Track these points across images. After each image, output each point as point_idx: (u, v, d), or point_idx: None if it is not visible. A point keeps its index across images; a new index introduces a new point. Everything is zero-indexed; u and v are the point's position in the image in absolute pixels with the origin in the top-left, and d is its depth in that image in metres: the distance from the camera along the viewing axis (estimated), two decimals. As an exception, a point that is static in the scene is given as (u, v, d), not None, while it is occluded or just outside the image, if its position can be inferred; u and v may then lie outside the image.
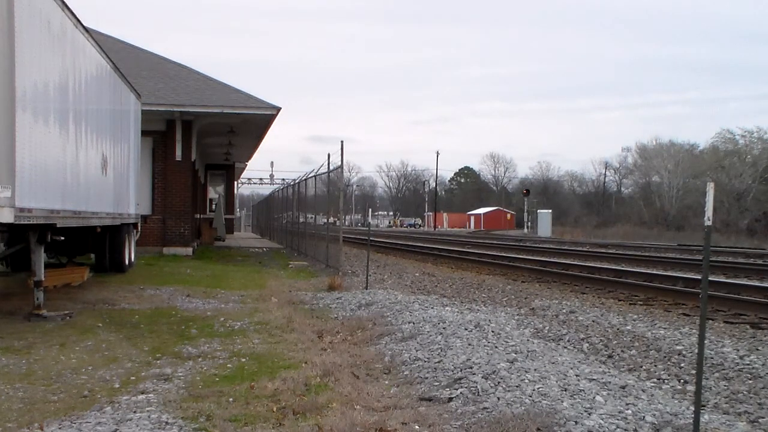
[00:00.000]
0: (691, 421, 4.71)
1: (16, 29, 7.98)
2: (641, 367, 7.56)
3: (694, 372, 6.28)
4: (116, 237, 15.33)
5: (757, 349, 8.35)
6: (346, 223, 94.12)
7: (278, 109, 22.78)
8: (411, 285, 15.78)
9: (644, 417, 4.97)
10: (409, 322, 9.04)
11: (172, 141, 22.41)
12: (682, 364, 7.61)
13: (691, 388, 6.51)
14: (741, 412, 5.80)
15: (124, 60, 20.29)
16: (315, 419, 5.04)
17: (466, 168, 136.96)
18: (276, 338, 8.34)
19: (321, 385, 6.07)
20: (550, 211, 66.73)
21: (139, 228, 18.37)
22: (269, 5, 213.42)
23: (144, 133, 18.93)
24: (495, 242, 41.30)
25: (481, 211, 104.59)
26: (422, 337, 8.01)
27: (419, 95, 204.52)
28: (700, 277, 9.70)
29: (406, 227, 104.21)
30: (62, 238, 10.95)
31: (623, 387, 5.85)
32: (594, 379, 6.07)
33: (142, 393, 5.76)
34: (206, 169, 38.74)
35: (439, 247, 32.91)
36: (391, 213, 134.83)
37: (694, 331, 9.44)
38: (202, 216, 33.16)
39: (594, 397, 5.41)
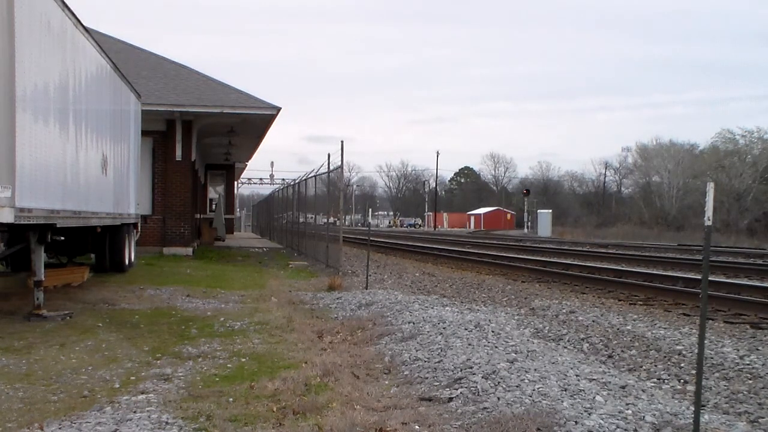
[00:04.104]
0: (691, 421, 4.71)
1: (16, 29, 7.98)
2: (641, 367, 7.56)
3: (694, 372, 6.28)
4: (116, 237, 15.33)
5: (757, 349, 8.35)
6: (346, 223, 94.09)
7: (278, 109, 22.79)
8: (411, 285, 15.78)
9: (644, 417, 4.97)
10: (409, 322, 9.04)
11: (172, 141, 22.42)
12: (682, 364, 7.61)
13: (691, 388, 6.51)
14: (741, 412, 5.80)
15: (124, 60, 20.29)
16: (315, 419, 5.04)
17: (466, 168, 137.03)
18: (276, 338, 8.34)
19: (321, 385, 6.07)
20: (550, 211, 66.72)
21: (139, 228, 18.37)
22: (269, 5, 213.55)
23: (144, 133, 18.93)
24: (495, 242, 41.31)
25: (481, 211, 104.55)
26: (422, 337, 8.01)
27: (419, 95, 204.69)
28: (700, 277, 9.70)
29: (406, 227, 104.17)
30: (62, 238, 10.95)
31: (623, 387, 5.85)
32: (594, 379, 6.07)
33: (142, 393, 5.76)
34: (206, 169, 38.75)
35: (439, 247, 32.91)
36: (391, 213, 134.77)
37: (694, 331, 9.45)
38: (202, 216, 33.16)
39: (594, 397, 5.41)
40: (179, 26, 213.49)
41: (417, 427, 4.96)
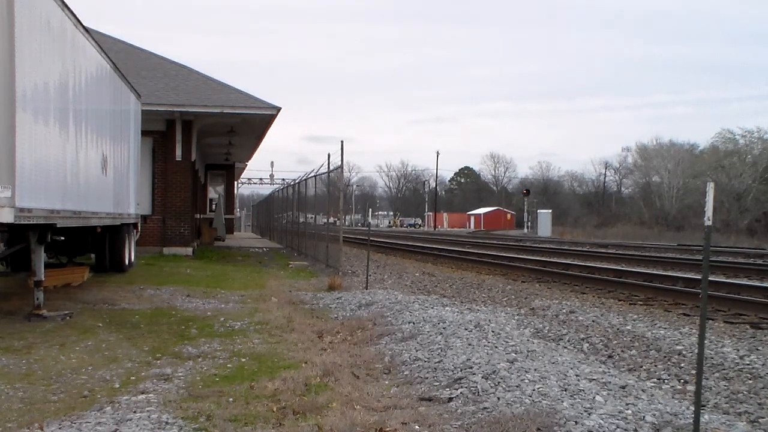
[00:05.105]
0: (691, 421, 4.71)
1: (16, 29, 7.98)
2: (641, 367, 7.56)
3: (694, 372, 6.28)
4: (116, 237, 15.33)
5: (757, 349, 8.35)
6: (346, 223, 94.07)
7: (278, 109, 22.79)
8: (411, 285, 15.78)
9: (644, 417, 4.97)
10: (409, 322, 9.04)
11: (172, 141, 22.42)
12: (682, 364, 7.61)
13: (691, 388, 6.51)
14: (741, 412, 5.80)
15: (124, 60, 20.30)
16: (315, 419, 5.04)
17: (466, 168, 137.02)
18: (276, 338, 8.34)
19: (321, 385, 6.07)
20: (550, 211, 66.71)
21: (139, 228, 18.37)
22: (269, 5, 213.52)
23: (144, 133, 18.93)
24: (495, 242, 41.30)
25: (481, 211, 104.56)
26: (422, 337, 8.01)
27: (419, 95, 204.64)
28: (700, 277, 9.70)
29: (406, 227, 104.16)
30: (62, 238, 10.95)
31: (623, 387, 5.85)
32: (594, 379, 6.07)
33: (142, 393, 5.76)
34: (206, 169, 38.74)
35: (439, 247, 32.91)
36: (391, 213, 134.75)
37: (694, 331, 9.45)
38: (202, 216, 33.16)
39: (594, 397, 5.41)
40: (179, 26, 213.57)
41: (417, 427, 4.96)
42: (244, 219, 79.42)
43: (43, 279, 9.80)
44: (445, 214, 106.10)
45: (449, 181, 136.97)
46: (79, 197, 11.15)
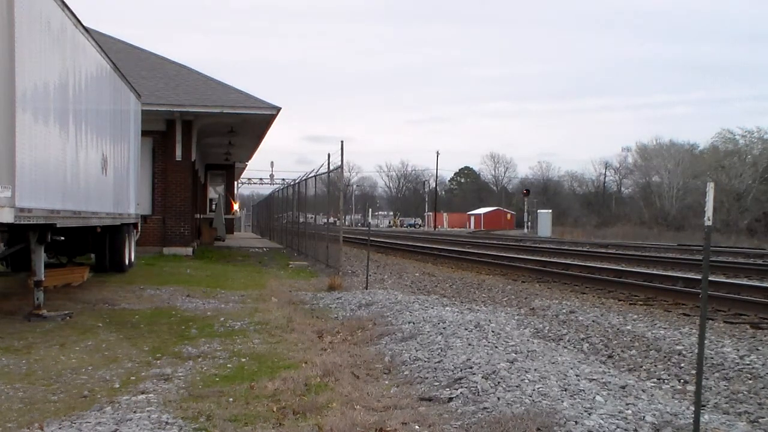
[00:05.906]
0: (691, 421, 4.71)
1: (16, 29, 7.98)
2: (641, 367, 7.56)
3: (694, 372, 6.28)
4: (116, 237, 15.33)
5: (757, 349, 8.35)
6: (346, 223, 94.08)
7: (278, 109, 22.79)
8: (411, 285, 15.78)
9: (644, 417, 4.97)
10: (409, 322, 9.04)
11: (172, 141, 22.42)
12: (682, 364, 7.61)
13: (691, 388, 6.51)
14: (741, 412, 5.80)
15: (124, 60, 20.29)
16: (315, 419, 5.04)
17: (466, 168, 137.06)
18: (276, 338, 8.34)
19: (321, 385, 6.07)
20: (550, 211, 66.68)
21: (139, 228, 18.37)
22: (270, 5, 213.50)
23: (144, 133, 18.93)
24: (495, 242, 41.30)
25: (481, 211, 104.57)
26: (422, 337, 8.01)
27: (419, 95, 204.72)
28: (700, 277, 9.70)
29: (406, 227, 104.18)
30: (62, 238, 10.96)
31: (623, 387, 5.85)
32: (594, 379, 6.07)
33: (142, 393, 5.76)
34: (206, 169, 38.74)
35: (439, 247, 32.91)
36: (391, 213, 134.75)
37: (694, 331, 9.45)
38: (202, 216, 33.16)
39: (594, 397, 5.41)
40: (179, 26, 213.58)
41: (417, 427, 4.96)
42: (244, 219, 79.38)
43: (43, 279, 9.80)
44: (445, 214, 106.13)
45: (449, 181, 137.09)
46: (79, 197, 11.15)
